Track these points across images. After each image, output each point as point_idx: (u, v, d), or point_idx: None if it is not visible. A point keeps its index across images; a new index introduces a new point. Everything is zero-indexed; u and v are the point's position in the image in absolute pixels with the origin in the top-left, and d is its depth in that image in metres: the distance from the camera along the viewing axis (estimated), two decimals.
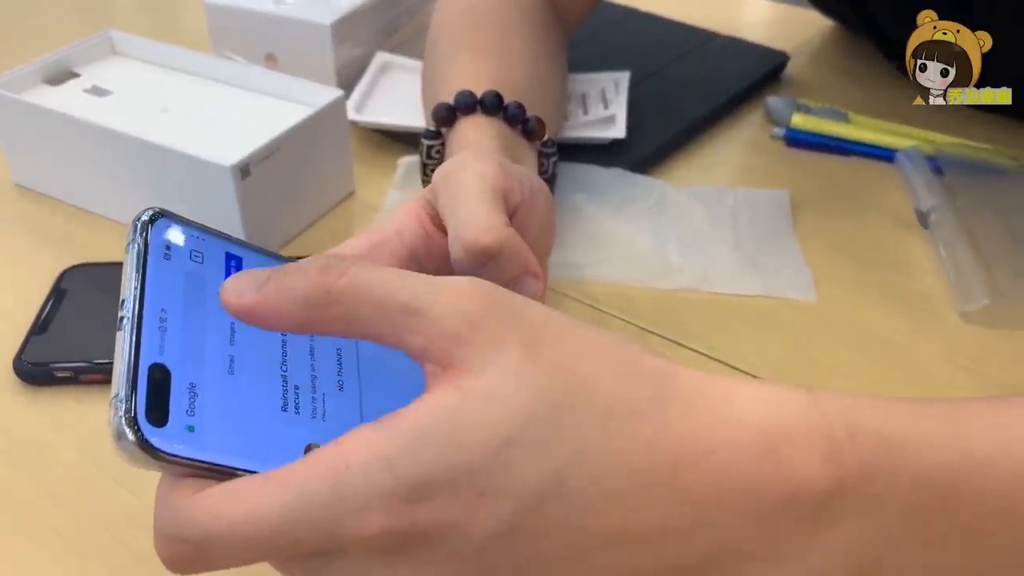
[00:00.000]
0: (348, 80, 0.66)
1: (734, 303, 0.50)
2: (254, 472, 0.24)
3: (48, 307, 0.46)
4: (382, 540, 0.23)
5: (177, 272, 0.26)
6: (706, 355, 0.46)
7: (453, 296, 0.25)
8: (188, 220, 0.27)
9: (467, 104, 0.46)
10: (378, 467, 0.23)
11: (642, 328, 0.48)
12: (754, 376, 0.45)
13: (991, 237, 0.53)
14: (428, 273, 0.35)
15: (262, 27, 0.67)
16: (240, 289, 0.25)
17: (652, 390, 0.25)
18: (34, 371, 0.43)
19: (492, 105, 0.46)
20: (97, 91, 0.57)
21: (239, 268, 0.28)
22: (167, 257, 0.26)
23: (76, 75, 0.59)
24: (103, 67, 0.60)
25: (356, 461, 0.23)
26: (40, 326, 0.45)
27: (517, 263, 0.33)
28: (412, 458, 0.23)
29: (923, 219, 0.56)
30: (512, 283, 0.33)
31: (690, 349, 0.47)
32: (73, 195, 0.56)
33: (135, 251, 0.25)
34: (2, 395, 0.43)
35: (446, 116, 0.47)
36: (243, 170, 0.49)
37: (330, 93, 0.55)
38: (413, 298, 0.24)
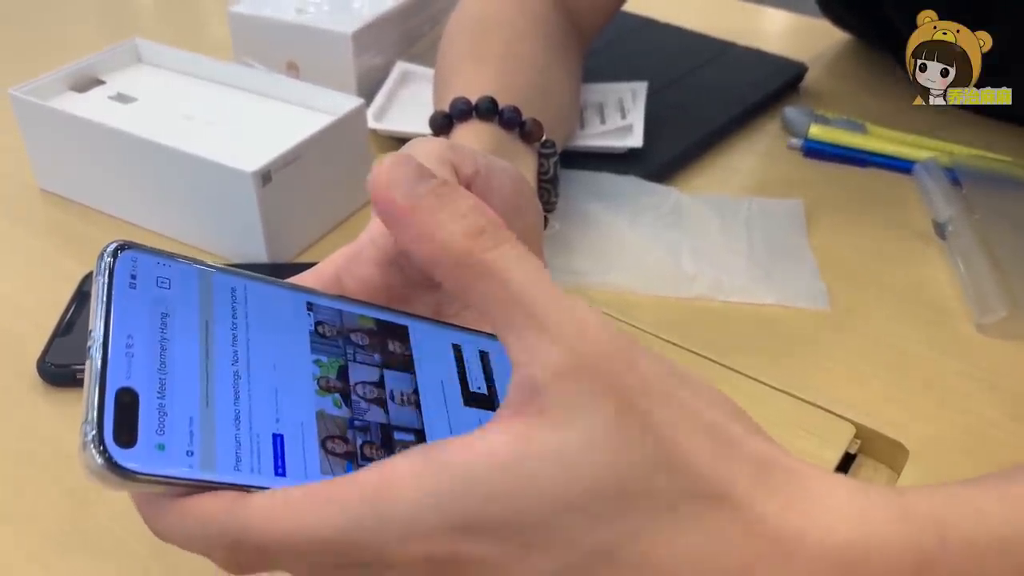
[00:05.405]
0: (368, 88, 0.67)
1: (747, 312, 0.50)
2: (233, 484, 0.25)
3: (71, 310, 0.47)
4: (425, 564, 0.24)
5: (143, 299, 0.27)
6: (718, 363, 0.47)
7: (574, 329, 0.23)
8: (154, 249, 0.28)
9: (462, 111, 0.47)
10: (425, 504, 0.23)
11: (656, 336, 0.48)
12: (763, 383, 0.45)
13: (1009, 249, 0.53)
14: (409, 271, 0.35)
15: (284, 36, 0.68)
16: (396, 180, 0.24)
17: (744, 477, 0.24)
18: (57, 372, 0.44)
19: (487, 110, 0.47)
20: (122, 98, 0.58)
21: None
22: (132, 286, 0.27)
23: (102, 82, 0.60)
24: (128, 74, 0.61)
25: (403, 495, 0.23)
26: (64, 328, 0.46)
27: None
28: (461, 501, 0.23)
29: (940, 231, 0.56)
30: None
31: (703, 357, 0.47)
32: (97, 200, 0.57)
33: (100, 283, 0.26)
34: (26, 396, 0.44)
35: (443, 123, 0.48)
36: (264, 176, 0.49)
37: (351, 101, 0.55)
38: (542, 311, 0.23)
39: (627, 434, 0.23)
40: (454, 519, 0.23)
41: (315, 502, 0.24)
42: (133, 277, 0.27)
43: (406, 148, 0.35)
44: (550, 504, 0.23)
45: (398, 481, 0.23)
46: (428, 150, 0.34)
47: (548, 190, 0.50)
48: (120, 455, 0.24)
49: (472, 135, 0.46)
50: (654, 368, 0.24)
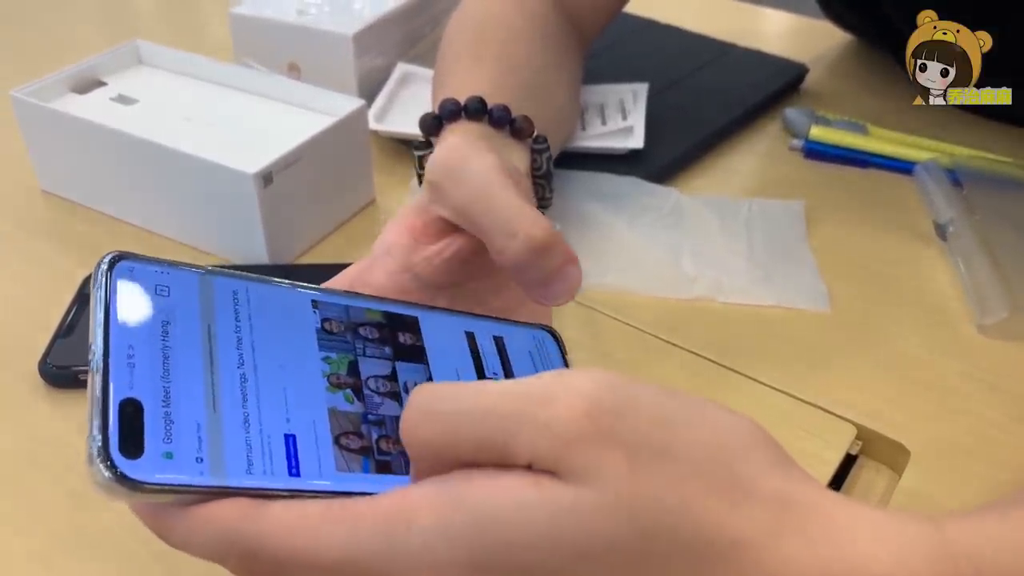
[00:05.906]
0: (369, 89, 0.67)
1: (747, 313, 0.50)
2: (246, 488, 0.25)
3: (73, 311, 0.47)
4: None
5: (143, 308, 0.27)
6: (718, 364, 0.47)
7: (576, 399, 0.23)
8: (151, 258, 0.28)
9: (451, 112, 0.47)
10: (437, 538, 0.23)
11: (656, 337, 0.48)
12: (764, 384, 0.45)
13: (1010, 250, 0.53)
14: (424, 278, 0.35)
15: (285, 37, 0.68)
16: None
17: (758, 522, 0.24)
18: (59, 374, 0.44)
19: (476, 110, 0.47)
20: (123, 100, 0.58)
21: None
22: (131, 295, 0.27)
23: (103, 84, 0.60)
24: (129, 76, 0.61)
25: (417, 526, 0.23)
26: (65, 330, 0.46)
27: (564, 252, 0.33)
28: (474, 540, 0.23)
29: (941, 232, 0.56)
30: (558, 271, 0.33)
31: (703, 357, 0.47)
32: (99, 201, 0.57)
33: (99, 294, 0.26)
34: (28, 397, 0.44)
35: (432, 125, 0.47)
36: (266, 178, 0.49)
37: (352, 103, 0.55)
38: (544, 390, 0.24)
39: (637, 494, 0.23)
40: (466, 555, 0.23)
41: (331, 520, 0.24)
42: (131, 286, 0.27)
43: (456, 157, 0.35)
44: (567, 555, 0.23)
45: (414, 511, 0.24)
46: (487, 167, 0.34)
47: (543, 186, 0.50)
48: (127, 466, 0.23)
49: (461, 135, 0.46)
50: (653, 411, 0.24)
